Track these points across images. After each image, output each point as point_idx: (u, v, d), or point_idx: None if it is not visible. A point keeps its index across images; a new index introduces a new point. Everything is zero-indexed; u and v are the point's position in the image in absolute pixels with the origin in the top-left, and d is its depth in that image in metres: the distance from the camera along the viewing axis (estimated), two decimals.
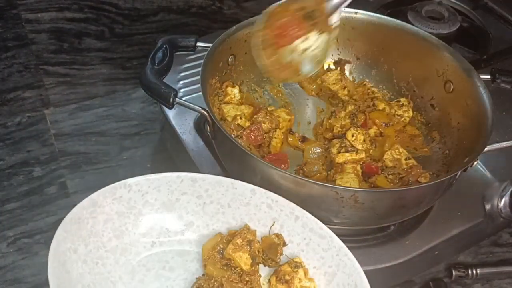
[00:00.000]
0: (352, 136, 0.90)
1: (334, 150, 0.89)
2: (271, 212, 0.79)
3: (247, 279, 0.74)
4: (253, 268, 0.76)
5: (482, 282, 0.93)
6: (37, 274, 0.90)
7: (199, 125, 0.98)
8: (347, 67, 1.04)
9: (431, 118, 0.98)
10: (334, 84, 1.00)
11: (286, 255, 0.77)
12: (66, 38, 1.19)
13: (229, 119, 0.92)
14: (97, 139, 1.11)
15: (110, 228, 0.76)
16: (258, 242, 0.77)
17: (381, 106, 0.96)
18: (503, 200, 0.91)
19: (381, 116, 0.95)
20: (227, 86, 0.95)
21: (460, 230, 0.88)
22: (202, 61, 0.86)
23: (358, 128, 0.91)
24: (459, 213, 0.89)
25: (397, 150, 0.90)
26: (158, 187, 0.79)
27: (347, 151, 0.89)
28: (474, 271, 0.92)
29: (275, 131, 0.92)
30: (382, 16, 1.00)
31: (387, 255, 0.84)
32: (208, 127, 0.85)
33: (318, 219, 0.79)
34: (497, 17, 1.23)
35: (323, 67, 1.02)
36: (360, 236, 0.86)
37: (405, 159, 0.89)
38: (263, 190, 0.79)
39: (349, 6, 0.94)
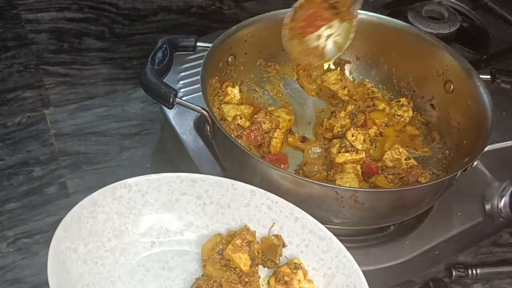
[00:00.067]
0: (352, 136, 0.90)
1: (334, 150, 0.89)
2: (270, 213, 0.79)
3: (246, 280, 0.74)
4: (252, 269, 0.76)
5: (482, 282, 0.93)
6: (37, 274, 0.90)
7: (199, 125, 0.98)
8: (347, 67, 1.04)
9: (431, 118, 0.98)
10: (334, 84, 1.00)
11: (285, 256, 0.77)
12: (66, 38, 1.19)
13: (229, 119, 0.92)
14: (97, 139, 1.11)
15: (110, 227, 0.76)
16: (258, 243, 0.77)
17: (381, 106, 0.96)
18: (503, 200, 0.91)
19: (381, 116, 0.95)
20: (227, 86, 0.95)
21: (460, 230, 0.88)
22: (202, 61, 0.86)
23: (358, 128, 0.91)
24: (459, 213, 0.89)
25: (397, 150, 0.90)
26: (158, 187, 0.79)
27: (347, 151, 0.89)
28: (474, 271, 0.92)
29: (275, 131, 0.92)
30: (382, 16, 1.00)
31: (387, 255, 0.84)
32: (208, 127, 0.85)
33: (318, 219, 0.79)
34: (497, 17, 1.23)
35: (323, 67, 1.03)
36: (360, 236, 0.86)
37: (405, 159, 0.89)
38: (263, 191, 0.79)
39: None
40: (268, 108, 0.97)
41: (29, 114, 1.14)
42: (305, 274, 0.75)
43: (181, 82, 1.04)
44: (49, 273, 0.66)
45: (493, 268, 0.94)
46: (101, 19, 1.19)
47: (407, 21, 1.10)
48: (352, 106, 0.96)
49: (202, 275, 0.76)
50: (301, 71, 1.03)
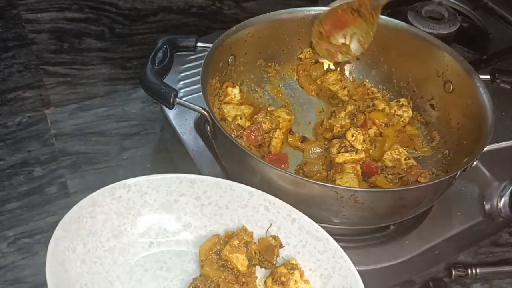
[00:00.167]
0: (352, 136, 0.90)
1: (334, 150, 0.90)
2: (268, 214, 0.79)
3: (244, 280, 0.75)
4: (249, 269, 0.76)
5: (482, 282, 0.94)
6: (37, 274, 0.90)
7: (199, 125, 0.98)
8: (347, 67, 1.04)
9: (431, 118, 0.98)
10: (334, 84, 1.00)
11: (282, 257, 0.78)
12: (66, 38, 1.19)
13: (229, 119, 0.92)
14: (97, 139, 1.11)
15: (109, 228, 0.77)
16: (255, 243, 0.78)
17: (381, 106, 0.96)
18: (502, 200, 0.91)
19: (381, 116, 0.95)
20: (227, 86, 0.95)
21: (459, 229, 0.88)
22: (202, 61, 0.86)
23: (358, 128, 0.91)
24: (459, 213, 0.90)
25: (396, 150, 0.90)
26: (157, 188, 0.79)
27: (346, 151, 0.89)
28: (473, 271, 0.93)
29: (275, 131, 0.92)
30: (382, 16, 1.00)
31: (387, 255, 0.84)
32: (208, 127, 0.86)
33: (318, 219, 0.79)
34: (497, 17, 1.23)
35: (323, 67, 1.03)
36: (360, 236, 0.86)
37: (405, 159, 0.89)
38: (261, 192, 0.79)
39: None
40: (268, 108, 0.97)
41: (29, 114, 1.15)
42: (301, 274, 0.75)
43: (182, 82, 1.04)
44: (48, 273, 0.67)
45: (493, 268, 0.94)
46: (101, 19, 1.19)
47: (407, 21, 1.10)
48: (352, 106, 0.96)
49: (200, 276, 0.76)
50: (301, 71, 1.04)
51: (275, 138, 0.91)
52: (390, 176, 0.87)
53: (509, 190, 0.91)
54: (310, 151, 0.92)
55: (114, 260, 0.76)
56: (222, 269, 0.75)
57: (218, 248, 0.77)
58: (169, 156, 1.07)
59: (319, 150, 0.92)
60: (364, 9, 0.93)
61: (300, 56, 1.03)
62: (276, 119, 0.94)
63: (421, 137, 0.96)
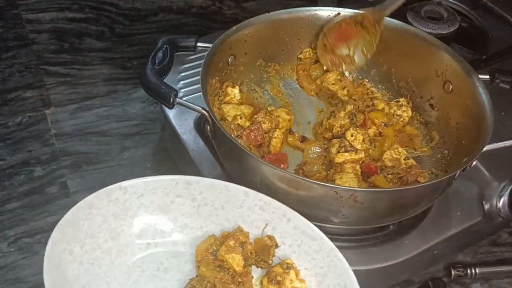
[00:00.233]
0: (352, 136, 0.90)
1: (333, 150, 0.90)
2: (263, 214, 0.80)
3: (240, 280, 0.75)
4: (245, 269, 0.76)
5: (481, 282, 0.94)
6: (38, 274, 0.90)
7: (199, 125, 0.98)
8: None
9: (430, 118, 0.98)
10: (333, 84, 1.00)
11: (278, 256, 0.78)
12: (66, 38, 1.19)
13: (229, 119, 0.93)
14: (97, 139, 1.11)
15: (106, 229, 0.77)
16: (251, 243, 0.78)
17: (381, 106, 0.96)
18: (502, 199, 0.91)
19: (380, 116, 0.95)
20: (227, 86, 0.96)
21: (459, 229, 0.88)
22: (202, 61, 0.86)
23: (358, 128, 0.92)
24: (458, 213, 0.90)
25: (396, 150, 0.90)
26: (153, 190, 0.80)
27: (346, 151, 0.89)
28: (473, 271, 0.93)
29: (275, 131, 0.92)
30: None
31: (386, 255, 0.84)
32: (208, 127, 0.86)
33: (318, 218, 0.80)
34: (497, 17, 1.23)
35: (323, 67, 1.03)
36: (359, 236, 0.86)
37: (404, 159, 0.89)
38: (256, 193, 0.79)
39: (348, 6, 0.96)
40: (268, 108, 0.97)
41: (30, 114, 1.15)
42: (297, 273, 0.76)
43: (182, 82, 1.04)
44: (45, 275, 0.68)
45: (492, 268, 0.94)
46: (101, 19, 1.19)
47: (406, 21, 1.10)
48: (352, 106, 0.96)
49: (196, 276, 0.77)
50: (300, 71, 1.04)
51: (275, 138, 0.91)
52: (389, 176, 0.87)
53: (508, 190, 0.91)
54: (309, 151, 0.92)
55: (111, 261, 0.76)
56: (218, 269, 0.76)
57: (214, 248, 0.77)
58: (170, 156, 1.07)
59: (318, 150, 0.92)
60: (367, 21, 0.96)
61: (299, 56, 1.04)
62: (276, 119, 0.94)
63: (420, 137, 0.96)
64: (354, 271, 0.76)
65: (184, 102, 0.82)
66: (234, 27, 0.93)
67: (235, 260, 0.75)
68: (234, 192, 0.80)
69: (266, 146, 0.91)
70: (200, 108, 0.82)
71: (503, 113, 0.99)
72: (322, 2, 1.18)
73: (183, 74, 1.05)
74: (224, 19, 1.31)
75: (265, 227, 0.80)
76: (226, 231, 0.80)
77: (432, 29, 1.12)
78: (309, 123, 1.00)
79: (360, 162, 0.89)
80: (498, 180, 0.92)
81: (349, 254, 0.82)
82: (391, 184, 0.87)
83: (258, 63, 1.01)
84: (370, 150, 0.92)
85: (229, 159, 0.87)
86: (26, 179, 1.03)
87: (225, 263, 0.76)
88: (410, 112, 0.97)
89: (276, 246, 0.78)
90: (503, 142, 0.83)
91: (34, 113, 1.15)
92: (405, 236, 0.86)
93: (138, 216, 0.79)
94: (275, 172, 0.78)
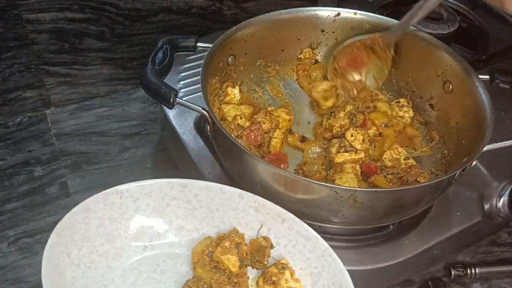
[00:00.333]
0: (351, 136, 0.90)
1: (333, 150, 0.90)
2: (258, 215, 0.80)
3: (236, 280, 0.75)
4: (241, 270, 0.77)
5: (481, 282, 0.94)
6: (38, 274, 0.89)
7: (199, 125, 0.98)
8: None
9: (430, 118, 0.98)
10: (317, 92, 1.00)
11: (273, 257, 0.78)
12: (66, 38, 1.19)
13: (229, 119, 0.93)
14: (97, 139, 1.11)
15: (103, 233, 0.78)
16: (246, 245, 0.78)
17: (383, 108, 0.96)
18: (501, 199, 0.91)
19: (381, 116, 0.95)
20: (227, 86, 0.96)
21: (459, 229, 0.88)
22: (202, 61, 0.86)
23: (357, 128, 0.92)
24: (458, 213, 0.90)
25: (396, 150, 0.90)
26: (149, 193, 0.80)
27: (346, 151, 0.89)
28: (473, 271, 0.93)
29: (275, 131, 0.92)
30: (381, 16, 1.00)
31: (386, 255, 0.84)
32: (208, 127, 0.86)
33: (318, 218, 0.80)
34: (496, 17, 1.23)
35: (323, 67, 1.03)
36: (359, 236, 0.86)
37: (404, 159, 0.89)
38: (251, 195, 0.80)
39: (348, 6, 0.96)
40: (268, 108, 0.97)
41: (30, 114, 1.15)
42: (292, 274, 0.76)
43: (182, 82, 1.04)
44: (43, 277, 0.68)
45: (492, 268, 0.94)
46: (101, 19, 1.19)
47: None
48: (351, 106, 0.96)
49: (193, 277, 0.77)
50: (300, 71, 1.04)
51: (275, 138, 0.91)
52: (389, 176, 0.87)
53: (508, 190, 0.91)
54: (309, 151, 0.92)
55: (108, 264, 0.77)
56: (214, 270, 0.76)
57: (210, 250, 0.78)
58: (170, 156, 1.07)
59: (318, 150, 0.93)
60: (377, 46, 0.95)
61: (299, 56, 1.04)
62: (276, 119, 0.94)
63: (420, 137, 0.96)
64: (354, 271, 0.76)
65: (184, 102, 0.82)
66: (234, 27, 0.93)
67: (231, 261, 0.76)
68: (229, 194, 0.81)
69: (266, 146, 0.92)
70: (200, 108, 0.82)
71: (503, 113, 0.99)
72: (322, 2, 1.18)
73: (183, 74, 1.05)
74: (224, 19, 1.31)
75: (260, 228, 0.80)
76: (222, 232, 0.80)
77: (432, 29, 1.12)
78: (309, 123, 1.00)
79: (360, 162, 0.89)
80: (498, 180, 0.92)
81: (349, 254, 0.82)
82: (391, 184, 0.87)
83: (258, 63, 1.01)
84: (370, 150, 0.92)
85: (229, 159, 0.87)
86: (26, 179, 1.04)
87: (221, 264, 0.76)
88: (411, 112, 0.97)
89: (271, 246, 0.79)
90: (503, 142, 0.83)
91: (34, 113, 1.15)
92: (405, 236, 0.86)
93: (134, 219, 0.80)
94: (275, 172, 0.78)
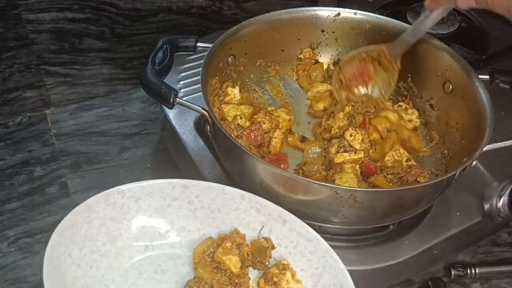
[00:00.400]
0: (350, 136, 0.90)
1: (332, 150, 0.90)
2: (259, 216, 0.80)
3: (237, 281, 0.75)
4: (242, 270, 0.77)
5: (481, 282, 0.94)
6: (38, 274, 0.90)
7: (199, 125, 0.98)
8: None
9: (430, 118, 0.98)
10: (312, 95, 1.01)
11: (274, 258, 0.78)
12: (66, 38, 1.19)
13: (229, 119, 0.93)
14: (97, 139, 1.11)
15: (104, 233, 0.78)
16: (247, 245, 0.79)
17: (391, 115, 0.95)
18: (502, 199, 0.91)
19: (383, 122, 0.95)
20: (227, 86, 0.96)
21: (459, 229, 0.88)
22: (202, 61, 0.86)
23: (357, 128, 0.92)
24: (458, 213, 0.90)
25: (398, 152, 0.90)
26: (150, 193, 0.80)
27: (345, 151, 0.89)
28: (473, 271, 0.93)
29: (275, 131, 0.92)
30: (382, 16, 1.00)
31: (386, 255, 0.84)
32: (208, 127, 0.86)
33: (318, 218, 0.80)
34: (496, 18, 1.23)
35: (323, 67, 1.03)
36: (359, 236, 0.86)
37: (406, 161, 0.89)
38: (252, 195, 0.80)
39: (348, 6, 0.96)
40: (268, 108, 0.97)
41: (30, 114, 1.15)
42: (293, 274, 0.76)
43: (182, 82, 1.04)
44: (45, 277, 0.68)
45: (492, 268, 0.94)
46: (101, 19, 1.19)
47: (406, 21, 1.10)
48: (350, 107, 0.96)
49: (194, 278, 0.77)
50: (300, 71, 1.04)
51: (275, 138, 0.91)
52: (389, 176, 0.87)
53: (508, 190, 0.91)
54: (309, 151, 0.92)
55: (109, 264, 0.77)
56: (215, 271, 0.76)
57: (212, 250, 0.78)
58: (170, 156, 1.07)
59: (318, 150, 0.93)
60: (383, 58, 0.94)
61: (299, 56, 1.04)
62: (276, 119, 0.94)
63: (420, 137, 0.96)
64: (354, 271, 0.76)
65: (184, 102, 0.82)
66: (234, 27, 0.93)
67: (232, 262, 0.76)
68: (231, 195, 0.81)
69: (266, 146, 0.92)
70: (200, 108, 0.82)
71: (503, 113, 1.00)
72: (322, 2, 1.18)
73: (183, 74, 1.05)
74: (224, 19, 1.31)
75: (261, 229, 0.80)
76: (223, 233, 0.80)
77: (432, 29, 1.12)
78: (309, 123, 1.00)
79: (359, 162, 0.89)
80: (498, 180, 0.92)
81: (349, 254, 0.82)
82: (391, 184, 0.87)
83: (258, 63, 1.01)
84: (371, 152, 0.92)
85: (229, 159, 0.87)
86: (26, 179, 1.04)
87: (222, 265, 0.76)
88: (416, 112, 0.97)
89: (272, 247, 0.79)
90: (503, 142, 0.83)
91: (34, 113, 1.15)
92: (405, 236, 0.86)
93: (136, 219, 0.80)
94: (275, 172, 0.78)
